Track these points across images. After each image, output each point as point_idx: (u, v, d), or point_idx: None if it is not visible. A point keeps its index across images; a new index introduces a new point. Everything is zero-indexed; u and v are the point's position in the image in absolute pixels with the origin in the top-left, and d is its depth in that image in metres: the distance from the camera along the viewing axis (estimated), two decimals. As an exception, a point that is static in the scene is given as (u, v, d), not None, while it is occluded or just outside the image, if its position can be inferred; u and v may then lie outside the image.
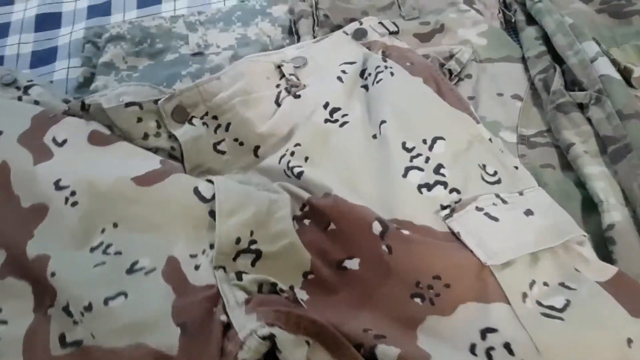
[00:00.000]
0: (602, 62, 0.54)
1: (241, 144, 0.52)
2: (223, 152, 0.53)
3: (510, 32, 0.64)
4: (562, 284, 0.40)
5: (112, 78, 0.62)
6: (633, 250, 0.44)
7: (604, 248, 0.45)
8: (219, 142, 0.53)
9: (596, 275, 0.41)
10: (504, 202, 0.44)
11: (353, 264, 0.43)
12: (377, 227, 0.42)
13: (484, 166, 0.47)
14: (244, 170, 0.52)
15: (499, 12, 0.66)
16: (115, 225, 0.45)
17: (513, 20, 0.64)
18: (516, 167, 0.48)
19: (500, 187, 0.46)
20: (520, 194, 0.45)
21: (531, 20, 0.62)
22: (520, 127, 0.55)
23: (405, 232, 0.42)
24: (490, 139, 0.50)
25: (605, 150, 0.50)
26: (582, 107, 0.53)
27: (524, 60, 0.60)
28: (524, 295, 0.39)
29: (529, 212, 0.44)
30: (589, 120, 0.52)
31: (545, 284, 0.40)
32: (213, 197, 0.45)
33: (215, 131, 0.53)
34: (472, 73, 0.59)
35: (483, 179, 0.46)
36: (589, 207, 0.48)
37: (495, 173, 0.47)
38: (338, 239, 0.44)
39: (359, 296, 0.42)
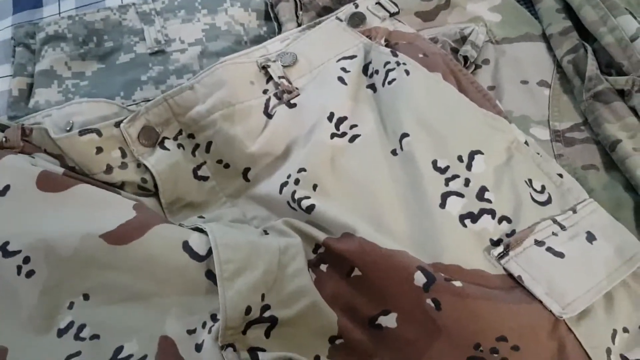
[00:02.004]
0: (645, 40, 0.46)
1: (226, 166, 0.43)
2: (206, 178, 0.43)
3: (524, 3, 0.55)
4: (643, 328, 0.34)
5: (54, 90, 0.51)
6: None
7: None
8: (199, 167, 0.43)
9: (673, 306, 0.35)
10: (562, 227, 0.37)
11: (389, 320, 0.35)
12: (420, 278, 0.34)
13: (530, 182, 0.39)
14: (234, 199, 0.43)
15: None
16: (86, 297, 0.36)
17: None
18: (560, 175, 0.41)
19: (552, 207, 0.38)
20: (574, 211, 0.38)
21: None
22: (552, 121, 0.47)
23: (457, 283, 0.34)
24: (526, 142, 0.42)
25: (656, 146, 0.43)
26: (622, 94, 0.46)
27: (545, 37, 0.52)
28: (608, 352, 0.32)
29: (591, 237, 0.37)
30: (633, 110, 0.45)
31: (626, 330, 0.34)
32: (209, 252, 0.35)
33: (193, 153, 0.43)
34: (489, 58, 0.50)
35: (533, 199, 0.38)
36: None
37: (544, 189, 0.39)
38: (367, 289, 0.36)
39: None
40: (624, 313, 0.34)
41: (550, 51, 0.51)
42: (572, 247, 0.35)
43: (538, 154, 0.42)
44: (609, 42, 0.47)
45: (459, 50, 0.49)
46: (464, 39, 0.50)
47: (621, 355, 0.33)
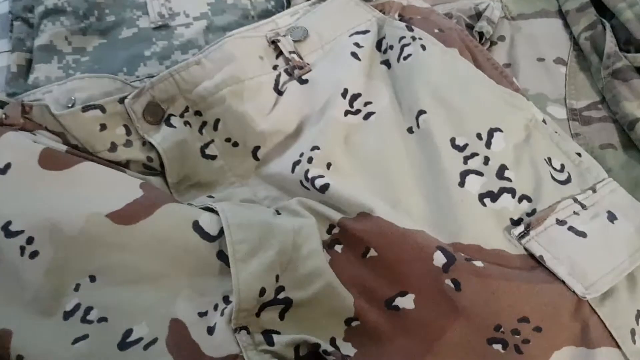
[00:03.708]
0: (665, 15, 0.45)
1: (235, 144, 0.42)
2: (214, 157, 0.42)
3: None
4: (667, 309, 0.33)
5: (54, 66, 0.49)
6: None
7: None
8: (206, 145, 0.42)
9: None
10: (583, 207, 0.36)
11: (407, 302, 0.34)
12: (439, 259, 0.33)
13: (550, 160, 0.38)
14: (243, 179, 0.42)
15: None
16: (92, 278, 0.35)
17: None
18: (579, 154, 0.39)
19: (572, 186, 0.37)
20: (594, 190, 0.37)
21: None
22: (569, 99, 0.46)
23: (478, 263, 0.33)
24: (544, 120, 0.41)
25: (677, 125, 0.42)
26: (641, 71, 0.45)
27: (561, 14, 0.50)
28: (633, 333, 0.32)
29: (612, 217, 0.36)
30: (652, 87, 0.44)
31: (649, 311, 0.33)
32: (220, 232, 0.34)
33: (200, 131, 0.42)
34: (504, 34, 0.49)
35: (553, 178, 0.37)
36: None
37: (563, 167, 0.38)
38: (383, 270, 0.35)
39: (418, 343, 0.33)
40: (648, 294, 0.33)
41: (567, 28, 0.50)
42: (593, 226, 0.35)
43: (556, 132, 0.40)
44: (628, 17, 0.46)
45: (473, 27, 0.48)
46: (478, 15, 0.49)
47: (646, 337, 0.32)
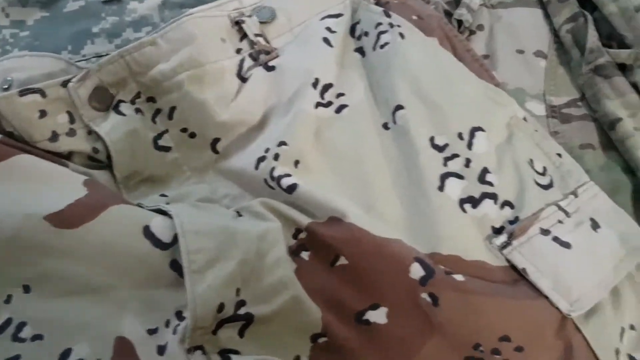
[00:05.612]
0: (650, 10, 0.43)
1: (192, 135, 0.38)
2: (168, 149, 0.38)
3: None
4: (650, 324, 0.32)
5: (-12, 41, 0.44)
6: None
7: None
8: (160, 135, 0.38)
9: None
10: (567, 214, 0.34)
11: (379, 316, 0.31)
12: (417, 271, 0.30)
13: (532, 162, 0.36)
14: (200, 173, 0.38)
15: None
16: (26, 288, 0.30)
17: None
18: (559, 155, 0.38)
19: (555, 190, 0.35)
20: (575, 195, 0.35)
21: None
22: (548, 95, 0.44)
23: (458, 277, 0.30)
24: (525, 118, 0.39)
25: (658, 125, 0.41)
26: (623, 68, 0.43)
27: (542, 4, 0.48)
28: (617, 353, 0.30)
29: (594, 225, 0.34)
30: (634, 86, 0.42)
31: (633, 327, 0.31)
32: (175, 239, 0.31)
33: (153, 119, 0.38)
34: (484, 23, 0.46)
35: (537, 182, 0.35)
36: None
37: (545, 170, 0.36)
38: (354, 281, 0.32)
39: None
40: (630, 309, 0.32)
41: (547, 19, 0.47)
42: (577, 236, 0.33)
43: (536, 130, 0.38)
44: (611, 11, 0.44)
45: (451, 14, 0.45)
46: (457, 1, 0.46)
47: (629, 356, 0.30)
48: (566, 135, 0.42)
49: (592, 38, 0.43)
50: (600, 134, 0.42)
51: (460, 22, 0.45)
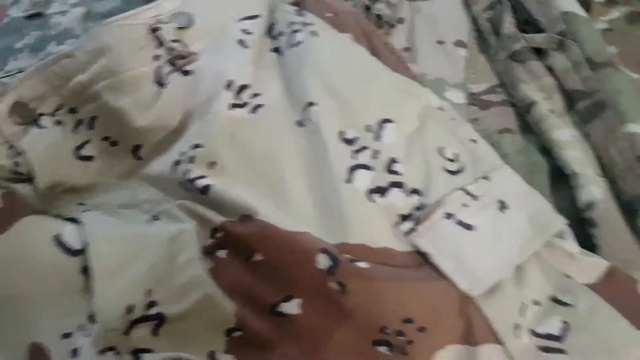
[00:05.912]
0: (564, -7, 0.44)
1: (114, 143, 0.38)
2: (90, 158, 0.38)
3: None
4: (554, 299, 0.33)
5: None
6: (617, 233, 0.37)
7: (577, 228, 0.38)
8: (82, 146, 0.38)
9: (585, 275, 0.34)
10: (474, 197, 0.35)
11: (292, 307, 0.32)
12: (323, 261, 0.31)
13: (441, 149, 0.37)
14: (123, 181, 0.39)
15: None
16: (-61, 301, 0.31)
17: None
18: (474, 141, 0.38)
19: (465, 175, 0.36)
20: (486, 178, 0.36)
21: None
22: (468, 83, 0.45)
23: (363, 264, 0.31)
24: (442, 108, 0.40)
25: (573, 106, 0.42)
26: (539, 52, 0.44)
27: (461, -8, 0.49)
28: (516, 327, 0.31)
29: (502, 206, 0.35)
30: (549, 69, 0.43)
31: (537, 302, 0.32)
32: (85, 247, 0.31)
33: (74, 130, 0.38)
34: (404, 16, 0.47)
35: (445, 168, 0.36)
36: (558, 180, 0.40)
37: (457, 156, 0.37)
38: (269, 275, 0.33)
39: (304, 348, 0.31)
40: (535, 286, 0.33)
41: (467, 8, 0.48)
42: (483, 218, 0.34)
43: (453, 119, 0.39)
44: (526, -5, 0.45)
45: (370, 8, 0.46)
46: (377, -4, 0.47)
47: (531, 331, 0.31)
48: (485, 121, 0.43)
49: (508, 24, 0.45)
50: (518, 119, 0.43)
51: (379, 16, 0.46)
